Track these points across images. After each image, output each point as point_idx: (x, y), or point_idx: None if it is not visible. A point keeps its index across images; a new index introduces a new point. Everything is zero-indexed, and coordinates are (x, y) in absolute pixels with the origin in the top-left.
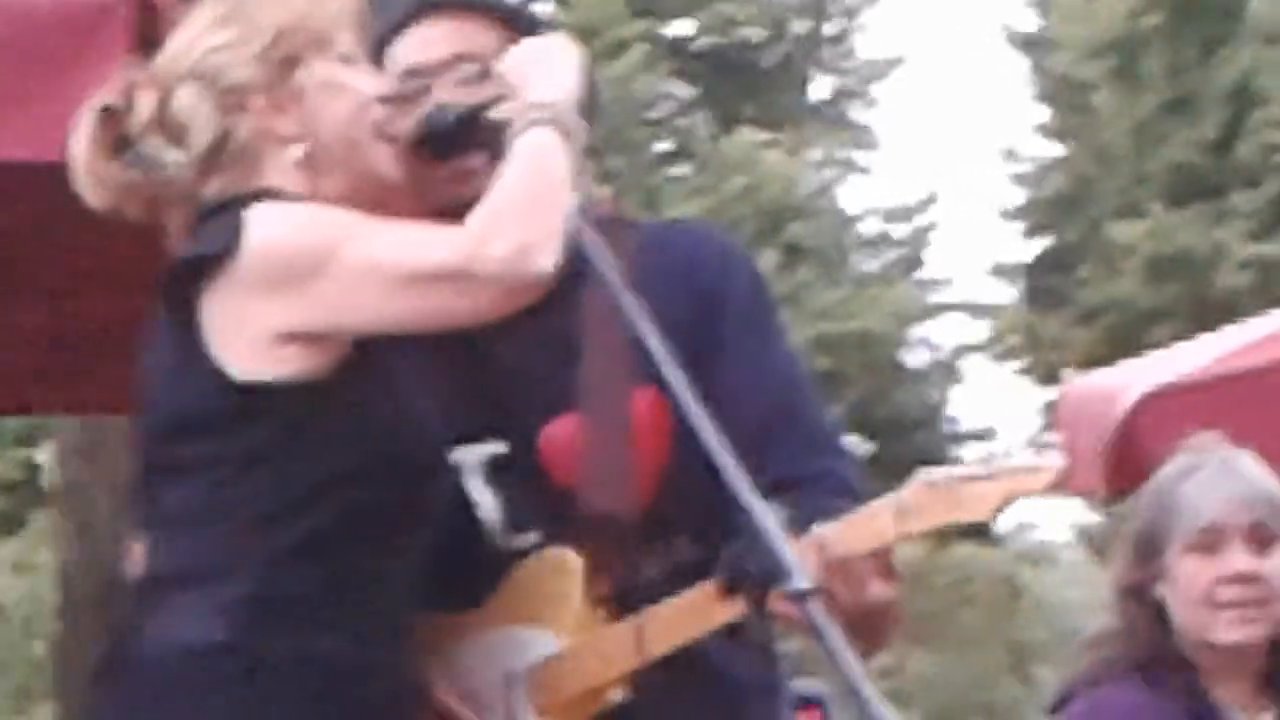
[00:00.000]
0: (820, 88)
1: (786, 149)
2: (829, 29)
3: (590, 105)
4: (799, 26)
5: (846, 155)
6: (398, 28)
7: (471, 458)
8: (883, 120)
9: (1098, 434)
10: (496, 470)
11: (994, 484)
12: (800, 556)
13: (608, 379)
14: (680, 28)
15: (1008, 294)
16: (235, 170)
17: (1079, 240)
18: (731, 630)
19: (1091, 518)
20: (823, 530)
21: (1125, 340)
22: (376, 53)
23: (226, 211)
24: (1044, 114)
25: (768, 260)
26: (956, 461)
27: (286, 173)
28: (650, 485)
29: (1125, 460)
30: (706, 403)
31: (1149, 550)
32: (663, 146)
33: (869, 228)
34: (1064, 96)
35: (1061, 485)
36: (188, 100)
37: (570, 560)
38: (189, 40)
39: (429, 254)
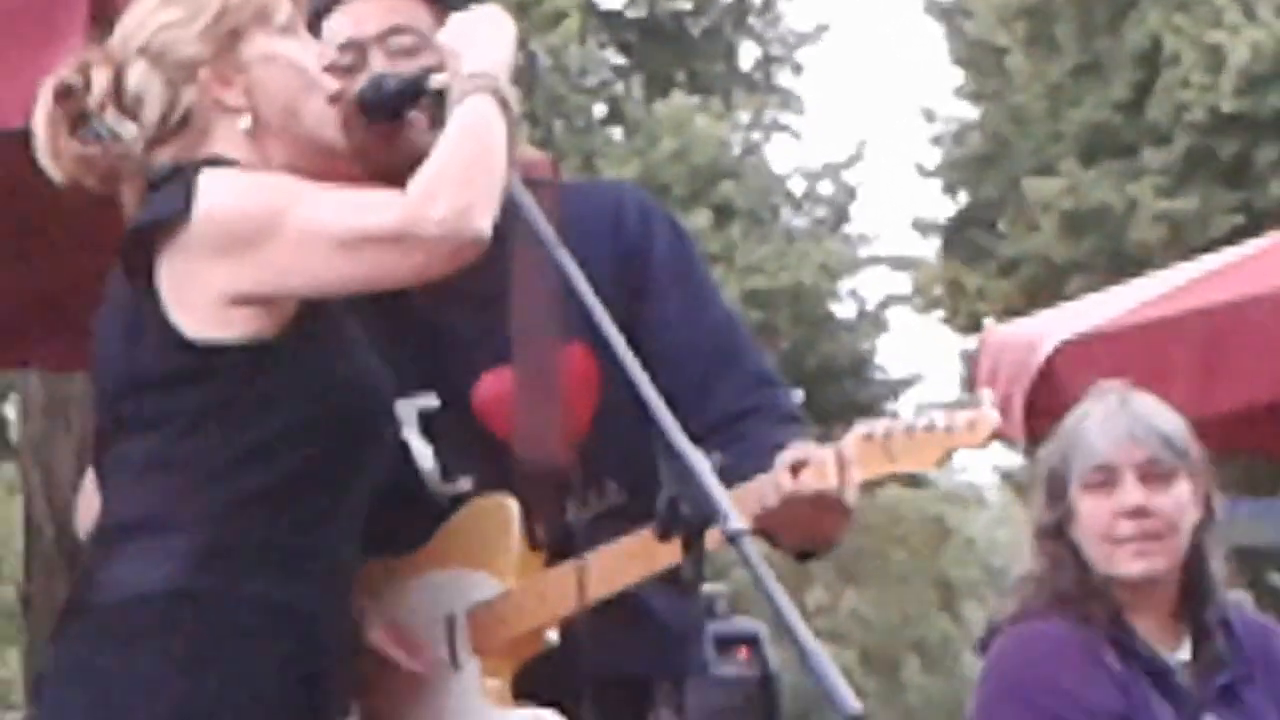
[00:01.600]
0: (748, 54)
1: (716, 113)
2: None
3: (529, 73)
4: None
5: (774, 118)
6: (332, 3)
7: (406, 410)
8: (809, 85)
9: (1017, 381)
10: (430, 422)
11: (931, 437)
12: (741, 504)
13: (537, 333)
14: None
15: (930, 248)
16: (185, 139)
17: (998, 196)
18: (663, 574)
19: (1014, 460)
20: (763, 480)
21: (1043, 292)
22: (313, 25)
23: (178, 177)
24: (960, 77)
25: (700, 219)
26: (885, 409)
27: (234, 141)
28: (579, 434)
29: (1043, 406)
30: (640, 355)
31: (1057, 490)
32: (598, 112)
33: (797, 187)
34: (979, 60)
35: (993, 438)
36: (140, 76)
37: (506, 506)
38: (140, 19)
39: (372, 217)
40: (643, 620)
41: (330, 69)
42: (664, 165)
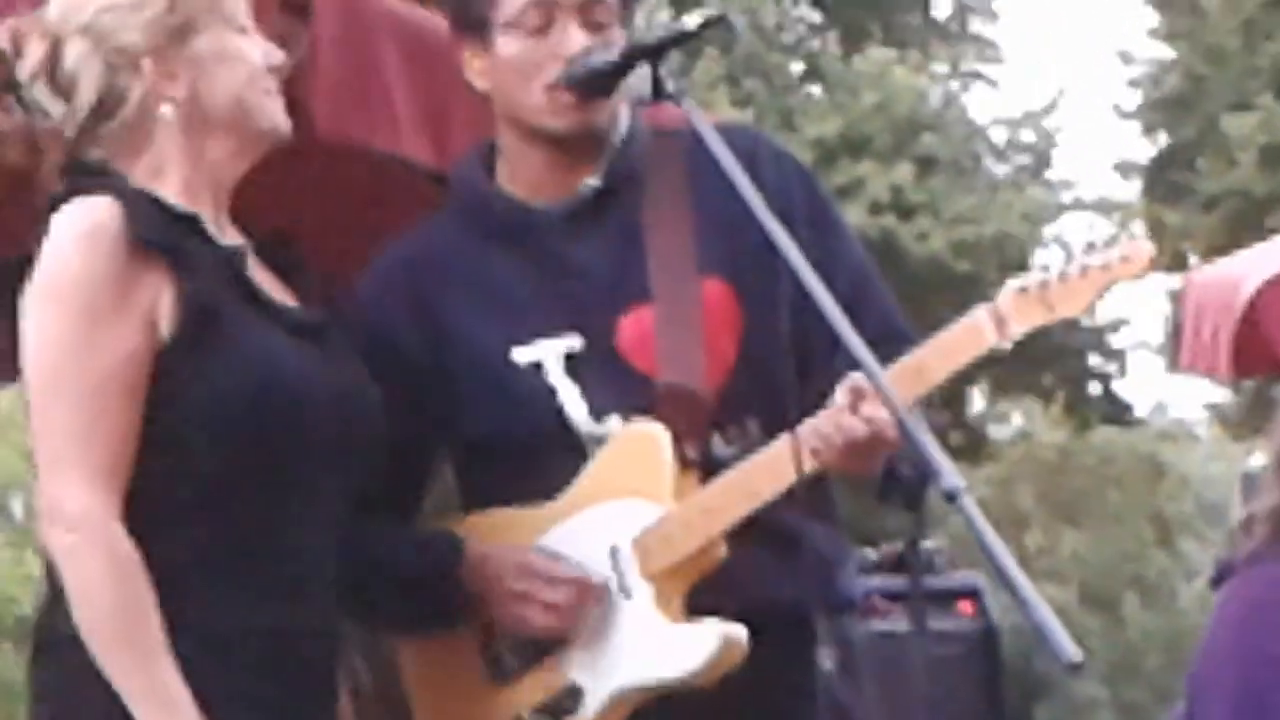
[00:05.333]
0: (942, 5)
1: (914, 65)
2: None
3: (726, 35)
4: None
5: (972, 68)
6: None
7: (550, 352)
8: (1005, 33)
9: (1222, 319)
10: (574, 363)
11: (1086, 278)
12: (901, 380)
13: (675, 269)
14: None
15: (1131, 190)
16: (119, 130)
17: (1196, 135)
18: (816, 505)
19: (1223, 395)
20: (922, 349)
21: (1245, 226)
22: None
23: (60, 205)
24: (1155, 19)
25: (903, 172)
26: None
27: (171, 135)
28: (723, 370)
29: (1248, 343)
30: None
31: None
32: (796, 69)
33: (997, 135)
34: (1172, 1)
35: (1149, 268)
36: (77, 55)
37: (656, 431)
38: None
39: (49, 481)
40: (798, 550)
41: (513, 25)
42: (864, 119)
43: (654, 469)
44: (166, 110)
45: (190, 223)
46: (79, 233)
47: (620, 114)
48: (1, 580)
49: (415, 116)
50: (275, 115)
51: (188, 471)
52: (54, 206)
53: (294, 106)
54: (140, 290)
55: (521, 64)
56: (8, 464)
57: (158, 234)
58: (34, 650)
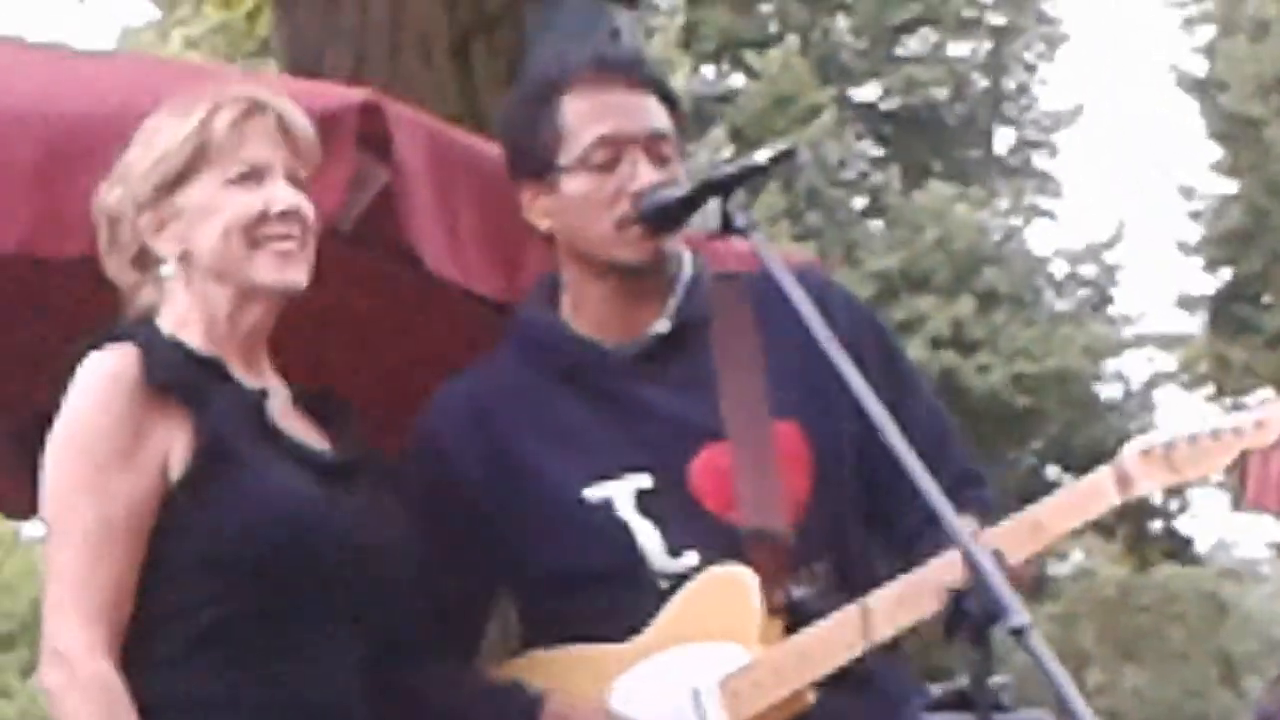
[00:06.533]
0: (1003, 139)
1: (975, 200)
2: (1009, 84)
3: (789, 168)
4: (980, 83)
5: (1032, 202)
6: (564, 83)
7: (621, 491)
8: (1065, 167)
9: None
10: (645, 501)
11: (1217, 442)
12: (1016, 536)
13: (749, 411)
14: (867, 91)
15: (1194, 324)
16: (149, 277)
17: (1261, 269)
18: (881, 645)
19: None
20: (1041, 506)
21: None
22: (544, 98)
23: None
24: (1217, 152)
25: (964, 306)
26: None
27: (177, 287)
28: (796, 511)
29: None
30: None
31: None
32: (858, 203)
33: (1058, 269)
34: (1236, 133)
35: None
36: (115, 206)
37: (743, 574)
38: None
39: (53, 621)
40: (868, 691)
41: (580, 164)
42: (926, 254)
43: (741, 613)
44: (164, 266)
45: (213, 367)
46: (97, 380)
47: (684, 257)
48: None
49: (489, 252)
50: (268, 267)
51: (188, 609)
52: (87, 354)
53: (383, 238)
54: (154, 435)
55: (590, 200)
56: None
57: (174, 376)
58: None
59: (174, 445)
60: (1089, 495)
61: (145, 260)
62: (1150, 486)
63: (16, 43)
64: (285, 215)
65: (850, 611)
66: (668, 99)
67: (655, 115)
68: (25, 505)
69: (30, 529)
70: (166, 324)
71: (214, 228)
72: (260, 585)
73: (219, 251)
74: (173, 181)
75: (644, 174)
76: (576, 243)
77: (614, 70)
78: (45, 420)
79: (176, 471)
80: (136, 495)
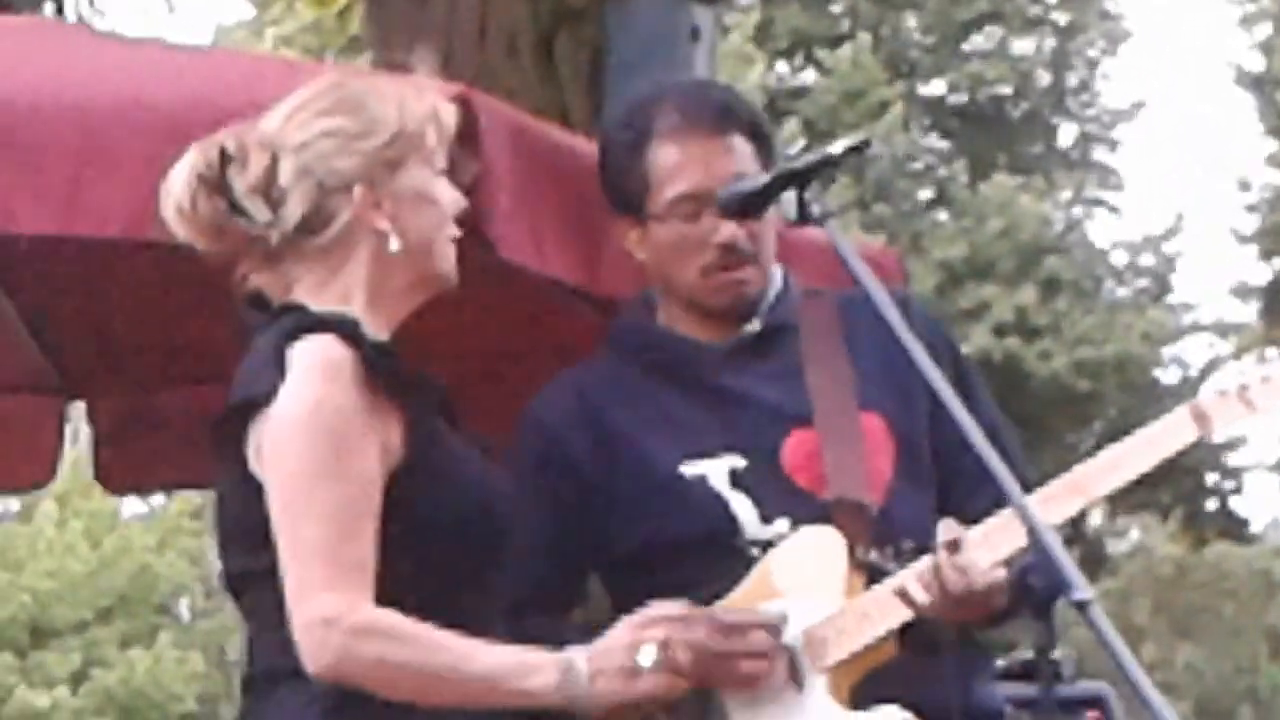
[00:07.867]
0: (1066, 134)
1: (1038, 192)
2: (1072, 80)
3: (858, 161)
4: (1044, 79)
5: (1094, 194)
6: (653, 130)
7: (716, 468)
8: (1126, 161)
9: None
10: (738, 478)
11: None
12: (1100, 472)
13: (836, 399)
14: (934, 87)
15: (1250, 312)
16: (323, 249)
17: None
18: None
19: None
20: (1121, 445)
21: None
22: (635, 147)
23: (274, 336)
24: (1272, 146)
25: (1028, 294)
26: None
27: (368, 261)
28: (880, 492)
29: None
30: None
31: None
32: (924, 195)
33: (1119, 259)
34: None
35: None
36: (293, 171)
37: (830, 532)
38: (302, 119)
39: (311, 587)
40: (938, 656)
41: (667, 215)
42: (990, 244)
43: (828, 568)
44: (386, 240)
45: (396, 355)
46: (322, 369)
47: (775, 274)
48: (168, 678)
49: (571, 242)
50: (451, 261)
51: (404, 589)
52: (279, 342)
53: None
54: (375, 423)
55: (676, 249)
56: (176, 569)
57: (386, 367)
58: None
59: (390, 433)
60: (1169, 432)
61: (317, 228)
62: (1227, 421)
63: (118, 38)
64: (458, 217)
65: (928, 561)
66: (756, 135)
67: (740, 159)
68: (130, 482)
69: (131, 506)
70: (325, 300)
71: (430, 216)
72: (465, 561)
73: (429, 239)
74: (398, 163)
75: (725, 229)
76: (667, 281)
77: (698, 120)
78: (235, 406)
79: (395, 457)
80: (371, 475)
